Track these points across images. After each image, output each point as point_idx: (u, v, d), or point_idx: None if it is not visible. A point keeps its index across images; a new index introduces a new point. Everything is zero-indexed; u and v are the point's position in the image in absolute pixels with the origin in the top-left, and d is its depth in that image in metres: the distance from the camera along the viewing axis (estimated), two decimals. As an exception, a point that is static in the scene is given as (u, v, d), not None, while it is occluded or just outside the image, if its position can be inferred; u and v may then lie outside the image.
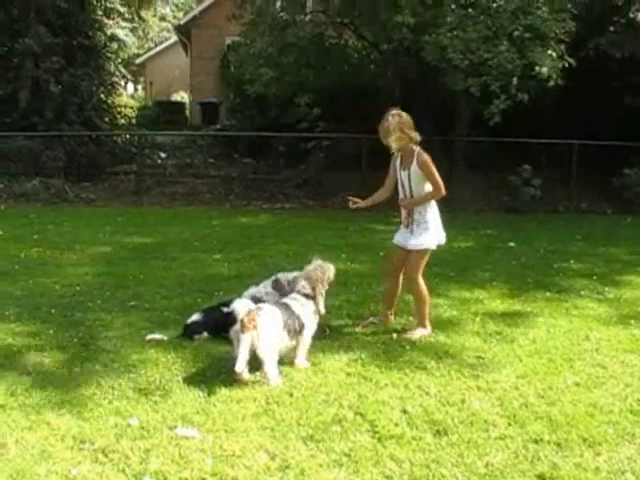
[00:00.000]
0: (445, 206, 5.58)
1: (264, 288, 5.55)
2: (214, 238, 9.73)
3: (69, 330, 5.43)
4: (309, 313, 4.76)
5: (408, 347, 5.16)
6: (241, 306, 4.86)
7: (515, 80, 11.39)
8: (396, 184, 5.55)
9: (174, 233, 10.21)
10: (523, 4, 11.59)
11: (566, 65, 11.58)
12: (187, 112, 28.10)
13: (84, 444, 3.60)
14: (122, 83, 22.53)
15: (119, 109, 18.58)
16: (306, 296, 4.81)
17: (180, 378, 4.46)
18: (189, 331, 5.28)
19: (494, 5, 11.77)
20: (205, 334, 5.24)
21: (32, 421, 3.84)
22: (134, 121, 21.13)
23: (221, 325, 4.98)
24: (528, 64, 11.36)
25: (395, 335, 5.40)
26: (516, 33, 11.48)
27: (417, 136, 5.36)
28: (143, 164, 15.63)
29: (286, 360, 4.64)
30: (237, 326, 4.38)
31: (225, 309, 5.16)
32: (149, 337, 5.27)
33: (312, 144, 14.54)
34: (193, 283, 7.04)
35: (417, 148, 5.37)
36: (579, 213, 13.33)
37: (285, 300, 4.83)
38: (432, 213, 5.42)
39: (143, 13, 27.13)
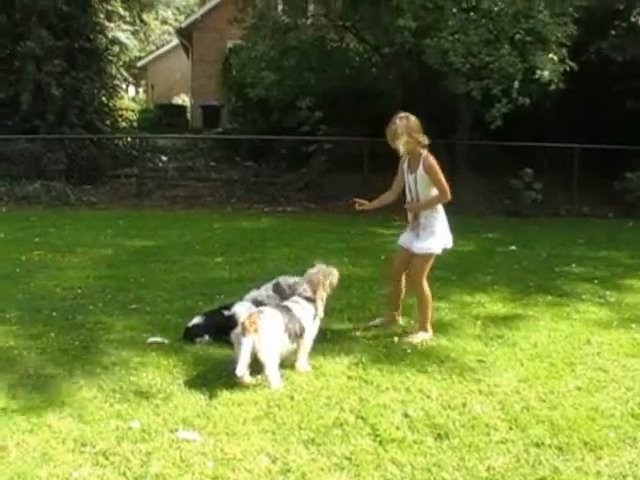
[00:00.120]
0: (447, 209, 5.57)
1: (265, 291, 5.54)
2: (215, 241, 9.73)
3: (70, 333, 5.42)
4: (310, 316, 4.75)
5: (409, 350, 5.15)
6: (242, 309, 4.88)
7: (516, 84, 11.42)
8: (404, 187, 5.54)
9: (175, 236, 10.21)
10: (524, 8, 11.60)
11: (567, 69, 11.59)
12: (188, 115, 28.17)
13: (85, 447, 3.59)
14: (123, 86, 22.60)
15: (120, 112, 18.60)
16: (307, 299, 4.80)
17: (181, 381, 4.46)
18: (190, 334, 5.27)
19: (495, 9, 11.76)
20: (206, 337, 5.23)
21: (33, 424, 3.83)
22: (135, 124, 21.15)
23: (222, 328, 4.97)
24: (529, 68, 11.38)
25: (396, 338, 5.40)
26: (517, 37, 11.51)
27: (425, 139, 5.35)
28: (144, 167, 15.64)
29: (287, 363, 4.63)
30: (238, 329, 4.37)
31: (226, 312, 5.19)
32: (150, 340, 5.26)
33: (314, 147, 14.50)
34: (194, 286, 7.04)
35: (424, 152, 5.34)
36: (581, 217, 13.31)
37: (286, 303, 4.83)
38: (439, 217, 5.40)
39: (145, 16, 27.12)
